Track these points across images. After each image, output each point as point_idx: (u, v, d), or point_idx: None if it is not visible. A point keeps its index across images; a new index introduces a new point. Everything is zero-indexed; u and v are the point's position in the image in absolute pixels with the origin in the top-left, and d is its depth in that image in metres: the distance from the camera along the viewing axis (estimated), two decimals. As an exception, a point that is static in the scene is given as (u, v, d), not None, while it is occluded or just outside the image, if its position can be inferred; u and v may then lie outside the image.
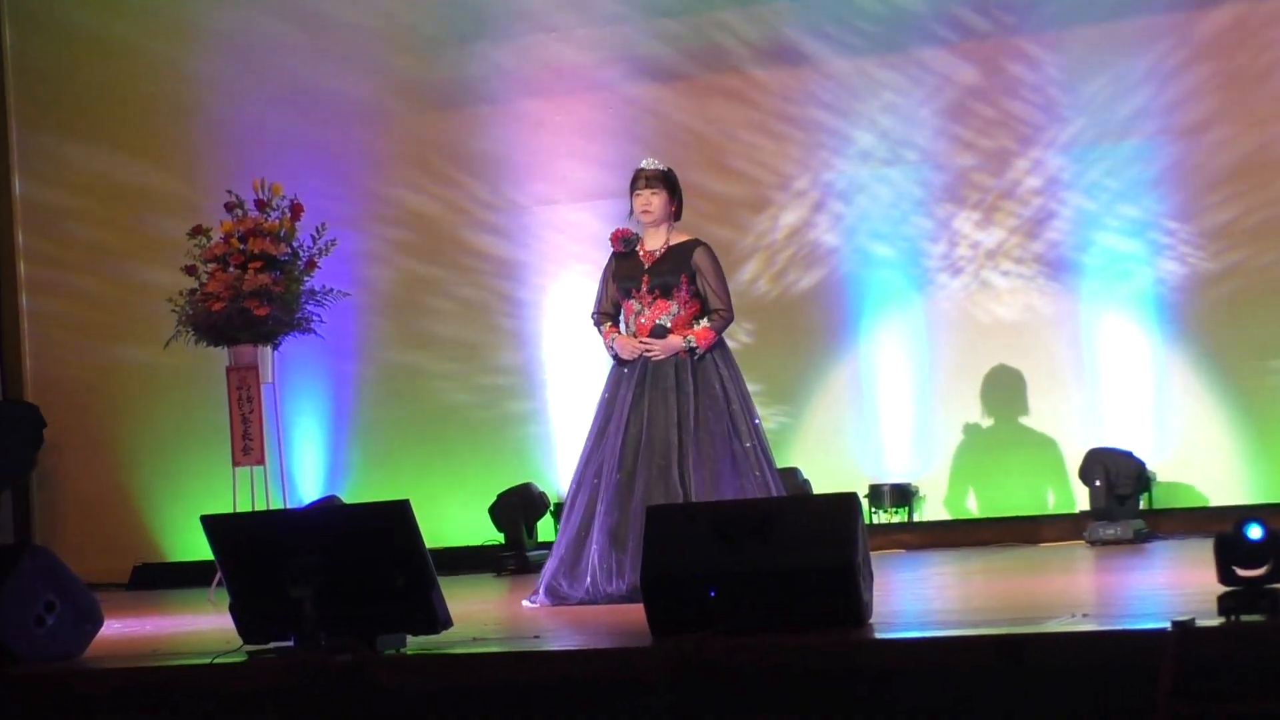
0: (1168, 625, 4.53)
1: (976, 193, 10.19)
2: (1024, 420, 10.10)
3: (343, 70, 11.15)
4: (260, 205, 9.45)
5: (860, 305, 10.35)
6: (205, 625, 7.45)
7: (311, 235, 9.43)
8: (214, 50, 11.38)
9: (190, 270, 9.45)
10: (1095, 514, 9.40)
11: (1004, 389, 10.09)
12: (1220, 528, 4.72)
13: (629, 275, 7.61)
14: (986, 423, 10.16)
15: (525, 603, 7.43)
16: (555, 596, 7.34)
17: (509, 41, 10.94)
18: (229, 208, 9.47)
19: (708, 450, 7.37)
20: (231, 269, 9.28)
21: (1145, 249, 9.90)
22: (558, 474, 10.62)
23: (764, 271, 10.47)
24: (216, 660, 5.49)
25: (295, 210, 9.47)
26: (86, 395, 11.58)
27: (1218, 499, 9.70)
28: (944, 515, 10.17)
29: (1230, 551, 4.60)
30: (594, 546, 7.32)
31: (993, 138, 10.15)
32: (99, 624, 6.13)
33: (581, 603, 7.23)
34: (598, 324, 7.74)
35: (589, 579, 7.28)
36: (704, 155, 10.49)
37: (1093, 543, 9.25)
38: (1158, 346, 9.88)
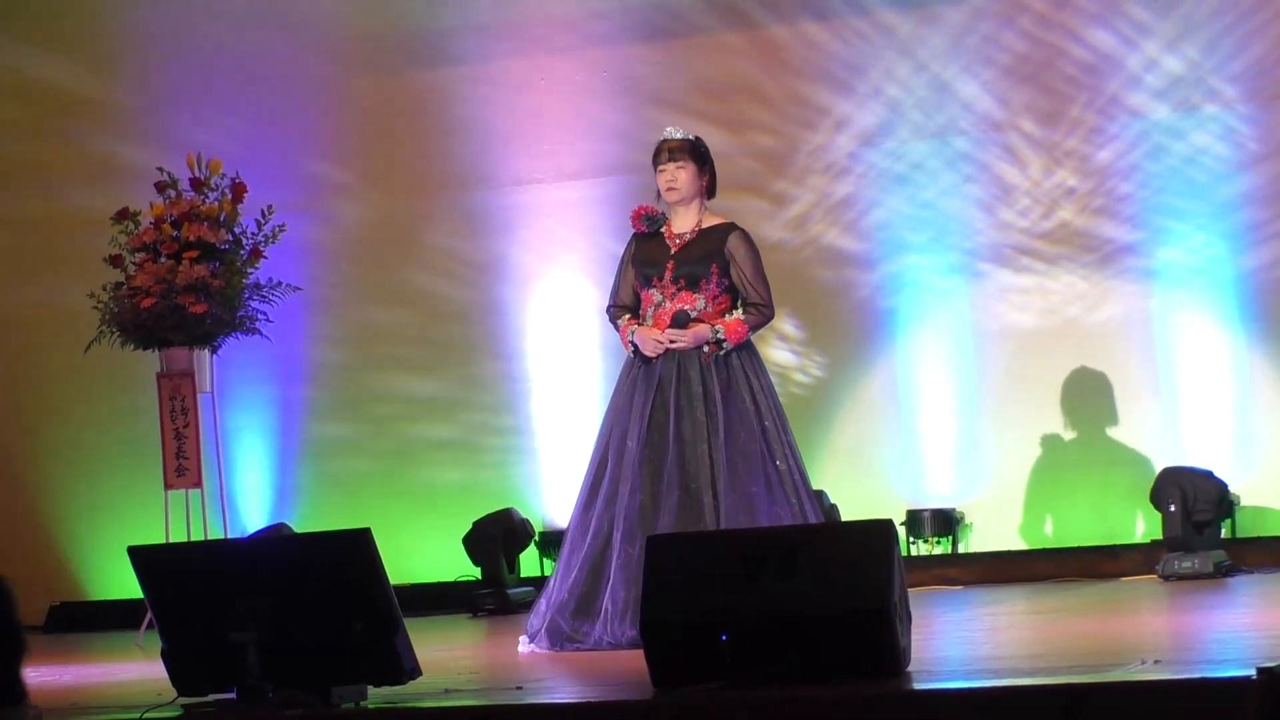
0: (1253, 672, 4.55)
1: (1030, 173, 10.20)
2: (1085, 436, 10.11)
3: (291, 25, 11.14)
4: (196, 185, 9.46)
5: (896, 302, 10.37)
6: (133, 674, 7.47)
7: (256, 220, 9.45)
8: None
9: (115, 261, 9.46)
10: (1169, 544, 9.41)
11: (1062, 400, 10.11)
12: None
13: (651, 260, 7.54)
14: (1042, 439, 10.18)
15: (521, 647, 7.39)
16: (559, 638, 7.26)
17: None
18: (160, 188, 9.48)
19: (741, 471, 7.32)
20: (163, 259, 9.30)
21: (1226, 235, 9.92)
22: (543, 498, 10.63)
23: (783, 260, 10.47)
24: (146, 715, 5.51)
25: (237, 191, 9.48)
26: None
27: (1312, 527, 9.75)
28: (993, 546, 10.18)
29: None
30: (610, 581, 7.25)
31: (1050, 109, 10.16)
32: (24, 653, 6.12)
33: (595, 647, 7.19)
34: (613, 318, 7.64)
35: (603, 620, 7.23)
36: (715, 124, 10.50)
37: (1166, 577, 9.26)
38: (1241, 349, 9.90)
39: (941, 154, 10.32)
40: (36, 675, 7.52)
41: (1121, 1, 10.03)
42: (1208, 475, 9.53)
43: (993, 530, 10.20)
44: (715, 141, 10.25)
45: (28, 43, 11.47)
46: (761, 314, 7.51)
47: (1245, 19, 9.88)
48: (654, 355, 7.45)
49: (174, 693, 5.70)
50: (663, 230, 7.58)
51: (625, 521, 7.30)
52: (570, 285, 10.72)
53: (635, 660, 5.67)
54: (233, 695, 5.56)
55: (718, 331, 7.42)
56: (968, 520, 10.20)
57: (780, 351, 10.37)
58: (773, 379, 7.70)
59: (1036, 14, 10.16)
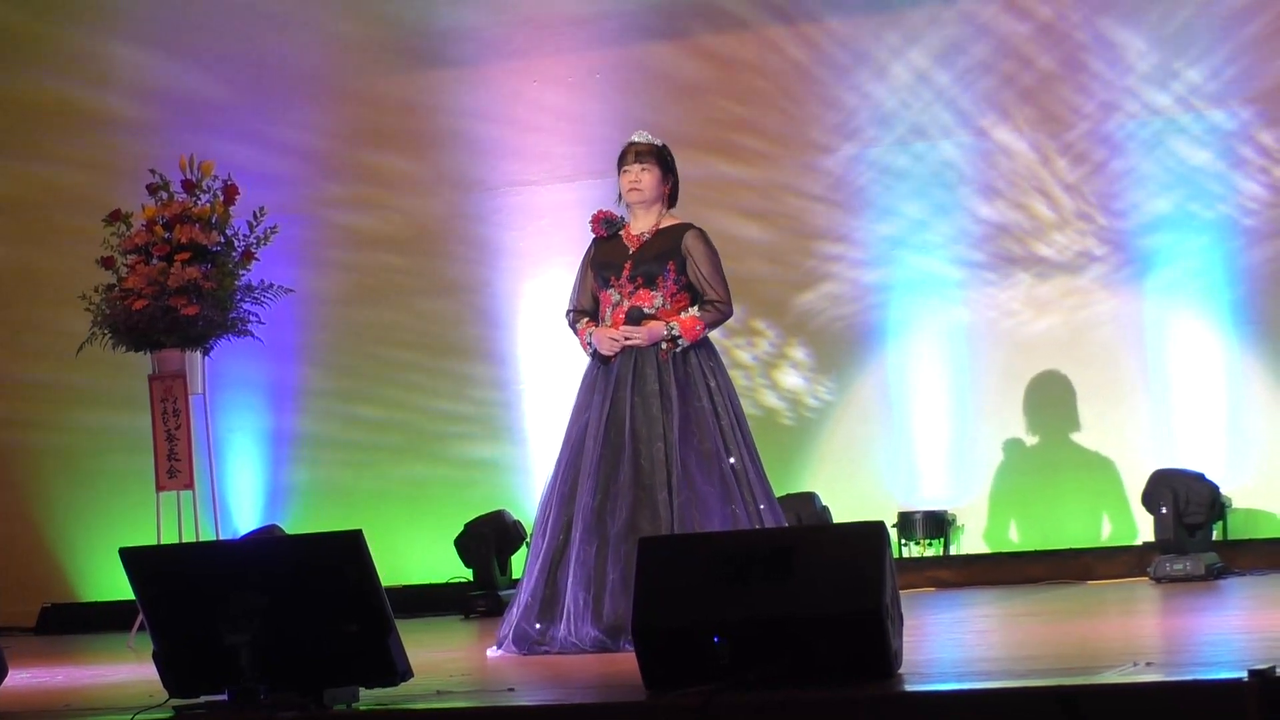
0: (1245, 675, 4.54)
1: (1022, 176, 10.21)
2: (1078, 438, 10.12)
3: (284, 28, 11.14)
4: (188, 186, 9.45)
5: (888, 303, 10.37)
6: (125, 676, 7.46)
7: (248, 221, 9.44)
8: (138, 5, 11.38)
9: (107, 263, 9.45)
10: (1161, 546, 9.42)
11: (1054, 402, 10.11)
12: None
13: (609, 262, 7.57)
14: (1034, 441, 10.19)
15: (490, 652, 7.43)
16: (526, 643, 7.29)
17: (480, -7, 10.96)
18: (151, 190, 9.47)
19: (695, 470, 7.34)
20: (155, 261, 9.29)
21: (1218, 238, 9.92)
22: (535, 500, 10.60)
23: (775, 262, 10.48)
24: (138, 717, 5.50)
25: (229, 192, 9.47)
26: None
27: (1302, 529, 9.75)
28: (985, 548, 10.19)
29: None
30: (570, 582, 7.29)
31: (1040, 110, 10.17)
32: (2, 674, 6.13)
33: (561, 650, 7.20)
34: (572, 323, 7.68)
35: (565, 621, 7.26)
36: (710, 127, 10.51)
37: (1158, 579, 9.27)
38: (1233, 351, 9.90)
39: (935, 157, 10.32)
40: (28, 677, 7.52)
41: (1113, 4, 10.04)
42: (1199, 478, 9.54)
43: (984, 532, 10.21)
44: (709, 145, 10.31)
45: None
46: (719, 311, 7.50)
47: (1238, 23, 9.88)
48: (610, 354, 7.47)
49: (166, 694, 5.69)
50: (621, 233, 7.62)
51: (583, 521, 7.34)
52: (563, 288, 10.61)
53: (628, 663, 5.67)
54: (224, 697, 5.56)
55: (672, 328, 7.42)
56: (959, 522, 10.21)
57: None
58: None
59: (1031, 15, 10.17)
